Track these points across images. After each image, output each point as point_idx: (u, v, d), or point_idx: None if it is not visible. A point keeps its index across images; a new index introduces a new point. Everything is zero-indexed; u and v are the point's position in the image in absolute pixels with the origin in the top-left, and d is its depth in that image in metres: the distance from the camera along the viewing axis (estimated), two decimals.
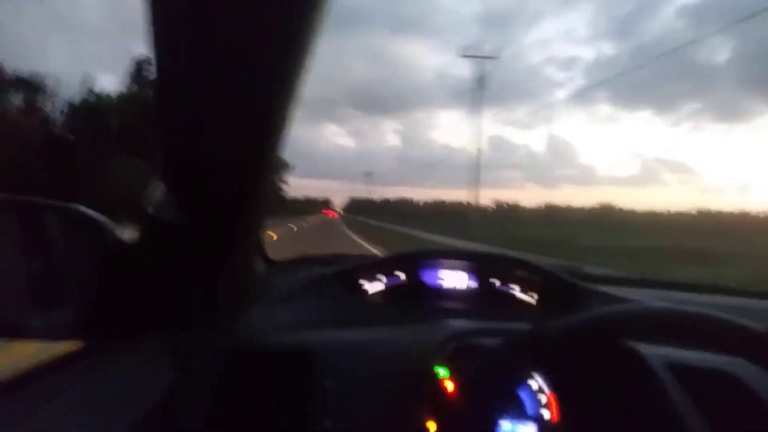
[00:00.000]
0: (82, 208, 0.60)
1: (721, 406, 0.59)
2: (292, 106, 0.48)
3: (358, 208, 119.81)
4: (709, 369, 0.64)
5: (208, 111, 0.47)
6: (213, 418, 0.60)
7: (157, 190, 0.59)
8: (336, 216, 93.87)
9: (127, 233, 0.62)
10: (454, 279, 1.02)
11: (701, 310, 0.45)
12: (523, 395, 0.67)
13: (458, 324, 0.75)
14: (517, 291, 1.00)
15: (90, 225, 0.60)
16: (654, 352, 0.65)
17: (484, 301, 1.00)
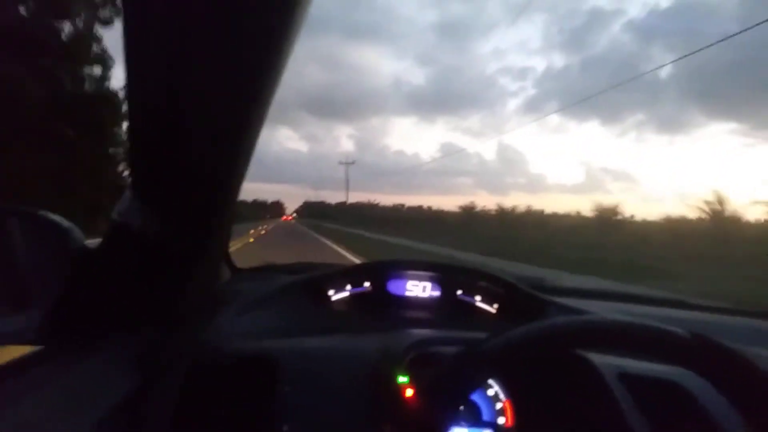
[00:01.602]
0: (47, 214, 0.60)
1: (666, 413, 0.62)
2: (264, 112, 0.49)
3: (314, 212, 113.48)
4: (655, 378, 0.67)
5: (179, 117, 0.47)
6: (175, 422, 0.60)
7: (125, 197, 0.59)
8: (291, 219, 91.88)
9: (93, 239, 0.62)
10: (419, 288, 1.04)
11: (634, 319, 0.47)
12: (480, 402, 0.70)
13: (420, 333, 0.77)
14: (479, 301, 1.02)
15: (55, 230, 0.60)
16: (605, 361, 0.68)
17: (448, 310, 1.02)
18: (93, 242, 0.62)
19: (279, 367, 0.66)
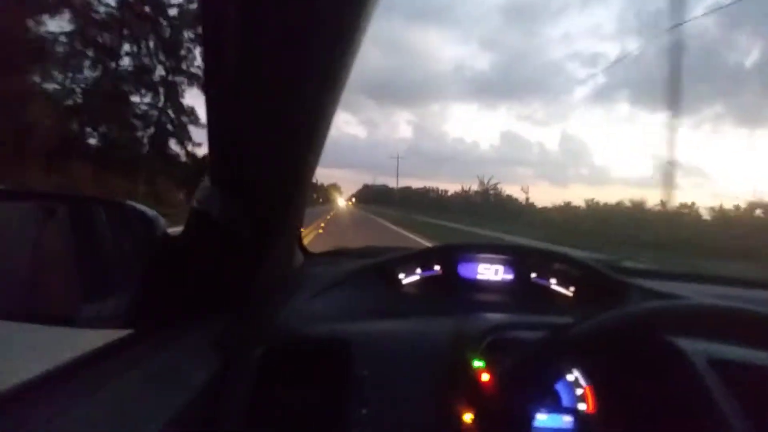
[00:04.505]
0: (133, 204, 0.63)
1: (763, 402, 0.58)
2: (337, 98, 0.49)
3: (373, 196, 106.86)
4: (750, 364, 0.63)
5: (256, 104, 0.48)
6: (253, 405, 0.61)
7: (203, 185, 0.61)
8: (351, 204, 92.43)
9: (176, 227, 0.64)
10: (491, 272, 1.02)
11: (738, 305, 0.44)
12: (560, 388, 0.67)
13: (495, 317, 0.75)
14: (554, 284, 1.00)
15: (140, 219, 0.62)
16: (694, 346, 0.64)
17: (521, 294, 0.99)
18: (175, 230, 0.64)
19: (354, 350, 0.66)
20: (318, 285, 0.90)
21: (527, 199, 40.39)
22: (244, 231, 0.61)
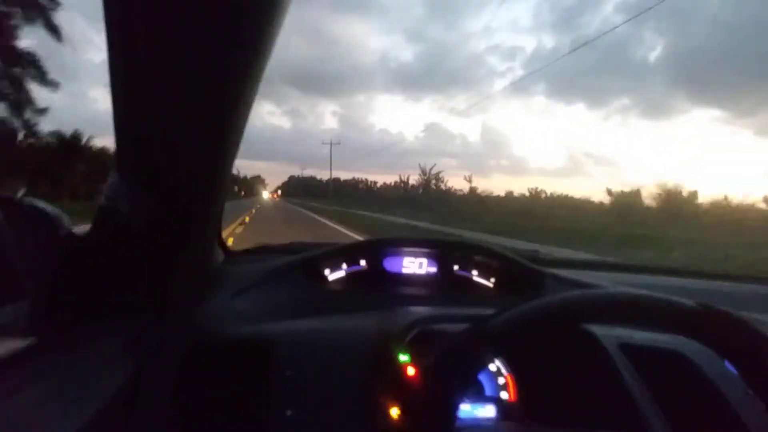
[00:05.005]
0: (33, 201, 0.59)
1: (669, 382, 0.63)
2: (254, 90, 0.47)
3: (302, 188, 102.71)
4: (656, 347, 0.68)
5: (165, 92, 0.45)
6: (173, 409, 0.60)
7: (112, 180, 0.58)
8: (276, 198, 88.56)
9: (81, 225, 0.61)
10: (415, 265, 1.04)
11: (644, 292, 0.47)
12: (483, 378, 0.70)
13: (419, 310, 0.77)
14: (475, 276, 1.03)
15: (41, 218, 0.58)
16: (606, 332, 0.69)
17: (445, 286, 1.02)
18: (81, 228, 0.61)
19: (277, 350, 0.65)
20: (240, 283, 0.88)
21: (471, 189, 38.82)
22: (158, 227, 0.59)
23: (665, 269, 1.37)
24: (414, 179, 46.48)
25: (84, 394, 0.50)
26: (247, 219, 14.31)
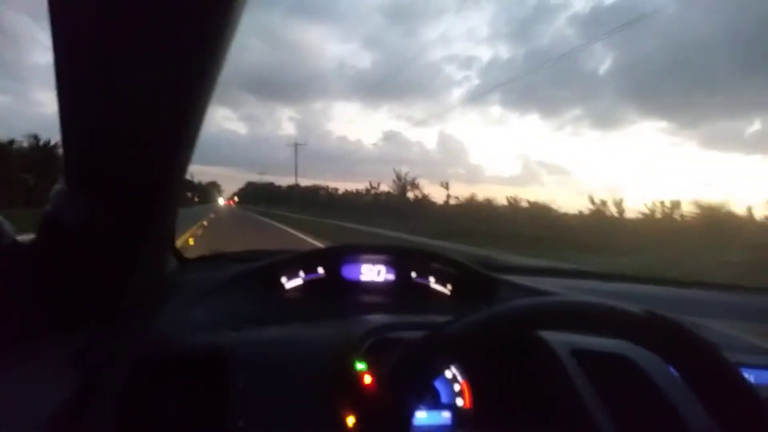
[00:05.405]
0: None
1: (618, 387, 0.64)
2: (208, 93, 0.46)
3: (261, 195, 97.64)
4: (606, 353, 0.70)
5: (113, 93, 0.43)
6: (122, 424, 0.57)
7: (58, 188, 0.55)
8: (233, 204, 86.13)
9: (26, 233, 0.58)
10: (374, 273, 1.04)
11: (594, 300, 0.48)
12: (438, 385, 0.71)
13: (376, 318, 0.76)
14: (433, 283, 1.03)
15: None
16: (558, 338, 0.70)
17: (402, 294, 1.02)
18: (26, 237, 0.58)
19: (232, 360, 0.64)
20: (195, 292, 0.85)
21: (448, 196, 34.68)
22: (106, 235, 0.57)
23: (616, 275, 1.42)
24: (386, 185, 43.09)
25: (26, 408, 0.48)
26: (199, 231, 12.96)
